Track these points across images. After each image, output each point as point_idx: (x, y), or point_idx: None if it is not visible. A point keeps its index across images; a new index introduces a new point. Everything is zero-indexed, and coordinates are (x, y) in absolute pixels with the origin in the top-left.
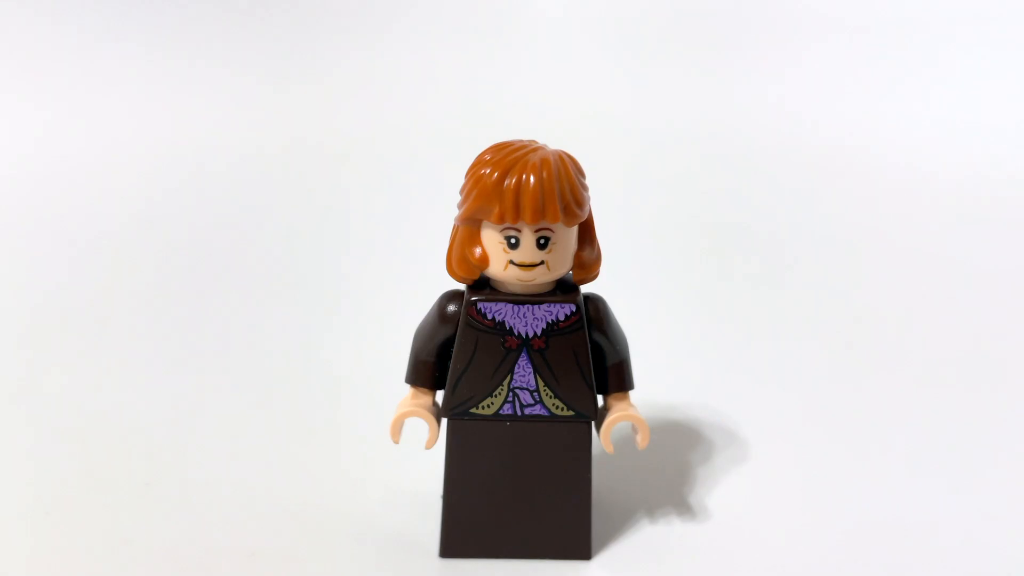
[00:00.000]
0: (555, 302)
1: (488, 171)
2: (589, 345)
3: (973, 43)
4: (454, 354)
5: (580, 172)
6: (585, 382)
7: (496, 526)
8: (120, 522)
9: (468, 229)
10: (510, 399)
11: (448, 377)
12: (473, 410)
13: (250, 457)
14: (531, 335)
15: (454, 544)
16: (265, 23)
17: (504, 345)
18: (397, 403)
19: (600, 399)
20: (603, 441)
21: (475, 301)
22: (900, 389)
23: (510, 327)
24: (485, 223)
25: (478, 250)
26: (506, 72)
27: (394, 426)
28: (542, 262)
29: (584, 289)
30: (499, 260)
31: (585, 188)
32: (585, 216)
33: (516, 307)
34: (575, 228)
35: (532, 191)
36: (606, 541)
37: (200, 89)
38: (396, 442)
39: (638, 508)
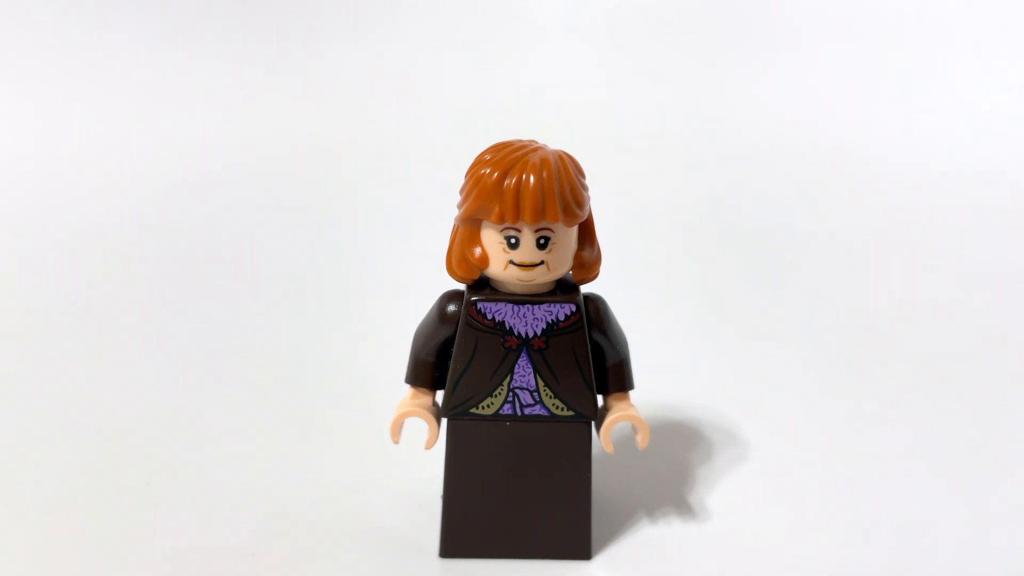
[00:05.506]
0: (555, 302)
1: (488, 171)
2: (589, 345)
3: (973, 42)
4: (454, 354)
5: (580, 172)
6: (585, 382)
7: (496, 526)
8: (120, 522)
9: (468, 229)
10: (510, 399)
11: (448, 377)
12: (473, 410)
13: (250, 457)
14: (531, 335)
15: (454, 544)
16: (266, 22)
17: (504, 345)
18: (397, 403)
19: (600, 399)
20: (603, 441)
21: (475, 301)
22: (900, 389)
23: (510, 327)
24: (485, 223)
25: (478, 250)
26: (506, 72)
27: (394, 426)
28: (542, 262)
29: (584, 289)
30: (499, 260)
31: (585, 188)
32: (585, 216)
33: (516, 307)
34: (575, 228)
35: (532, 191)
36: (606, 541)
37: (200, 87)
38: (396, 442)
39: (638, 508)
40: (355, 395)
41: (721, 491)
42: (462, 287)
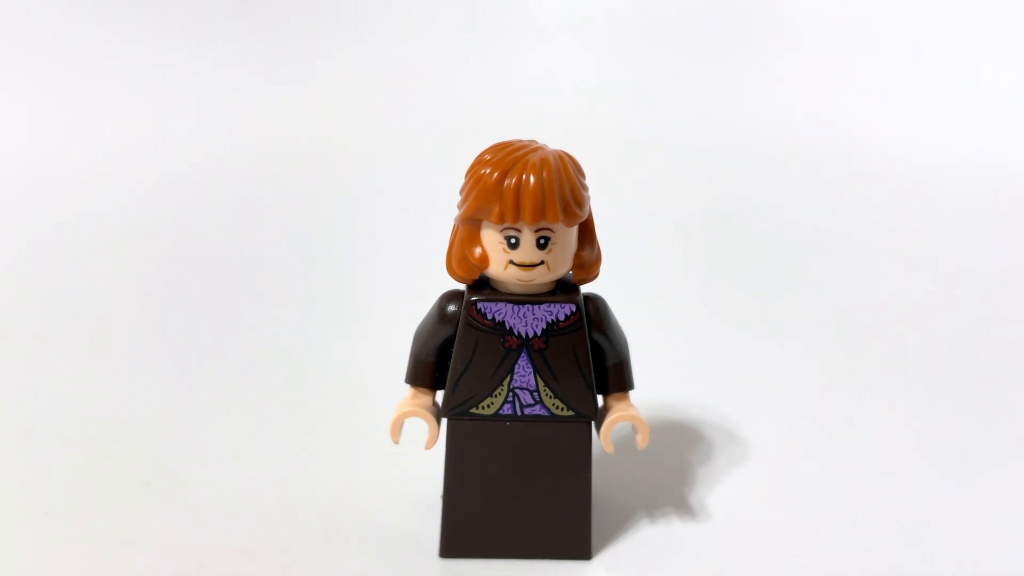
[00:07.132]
0: (555, 302)
1: (488, 171)
2: (589, 345)
3: (973, 41)
4: (454, 354)
5: (580, 172)
6: (585, 382)
7: (496, 526)
8: (120, 522)
9: (468, 229)
10: (510, 399)
11: (448, 377)
12: (473, 410)
13: (250, 457)
14: (531, 335)
15: (454, 544)
16: (263, 20)
17: (504, 345)
18: (397, 403)
19: (600, 399)
20: (603, 441)
21: (475, 301)
22: (901, 388)
23: (510, 327)
24: (485, 223)
25: (478, 250)
26: (506, 71)
27: (394, 426)
28: (542, 262)
29: (584, 289)
30: (499, 260)
31: (585, 188)
32: (585, 216)
33: (516, 307)
34: (575, 228)
35: (532, 191)
36: (606, 541)
37: (199, 86)
38: (396, 442)
39: (638, 508)
40: (355, 395)
41: (721, 491)
42: (462, 287)
